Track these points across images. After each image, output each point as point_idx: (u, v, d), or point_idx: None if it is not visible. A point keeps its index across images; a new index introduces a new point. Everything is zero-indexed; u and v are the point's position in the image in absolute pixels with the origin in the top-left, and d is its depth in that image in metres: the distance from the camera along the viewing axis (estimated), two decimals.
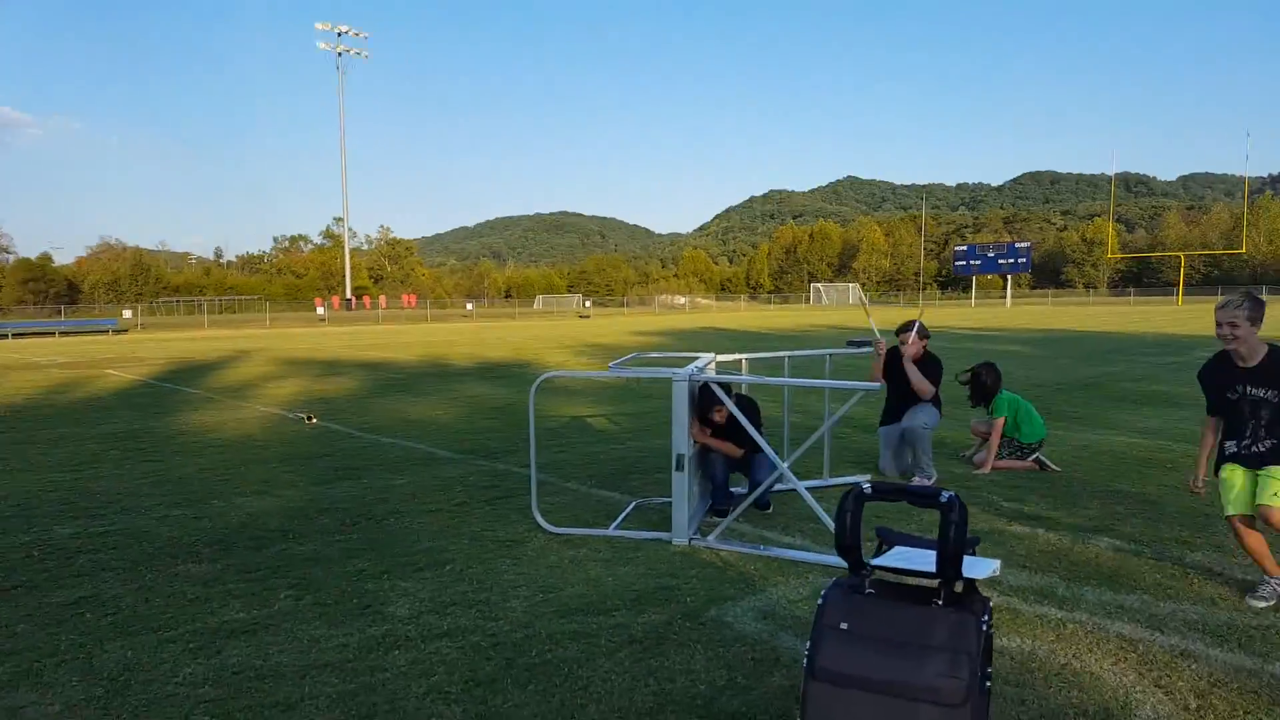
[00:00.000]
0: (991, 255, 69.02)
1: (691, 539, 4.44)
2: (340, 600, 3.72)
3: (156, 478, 6.21)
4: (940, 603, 2.10)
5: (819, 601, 2.21)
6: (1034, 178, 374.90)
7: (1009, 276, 70.96)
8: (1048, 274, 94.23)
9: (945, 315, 43.41)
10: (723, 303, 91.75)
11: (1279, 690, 2.82)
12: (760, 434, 4.57)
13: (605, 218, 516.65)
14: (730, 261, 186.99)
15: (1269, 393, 3.49)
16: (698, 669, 3.01)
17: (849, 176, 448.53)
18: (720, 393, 4.64)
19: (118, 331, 35.42)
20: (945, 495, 2.09)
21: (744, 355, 5.69)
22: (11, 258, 77.76)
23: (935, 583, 2.15)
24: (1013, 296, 72.39)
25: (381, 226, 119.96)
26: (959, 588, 2.14)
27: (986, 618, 2.07)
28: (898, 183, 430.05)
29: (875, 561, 2.19)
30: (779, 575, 3.96)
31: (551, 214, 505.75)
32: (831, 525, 4.14)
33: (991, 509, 5.05)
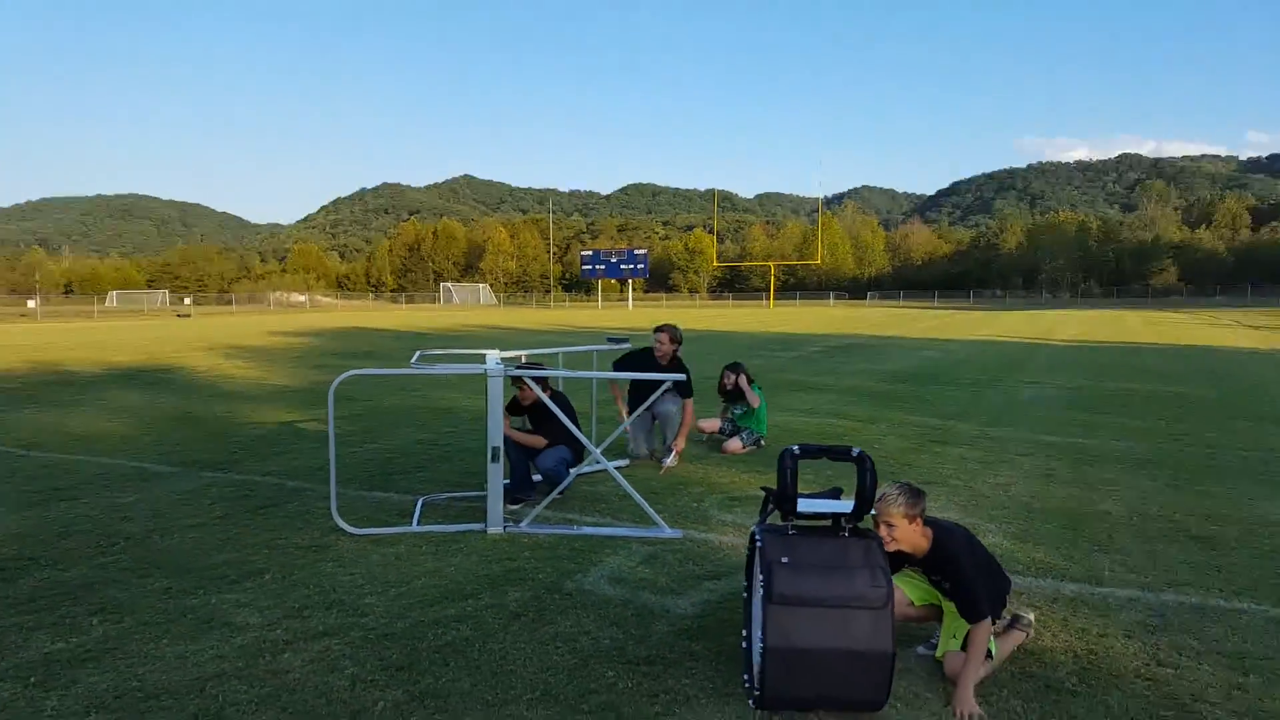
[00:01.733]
0: (614, 261, 75.06)
1: (506, 527, 4.73)
2: (170, 619, 3.44)
3: None
4: (846, 534, 2.79)
5: (756, 544, 2.79)
6: (639, 189, 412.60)
7: (629, 281, 77.74)
8: (658, 279, 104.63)
9: (580, 317, 46.44)
10: (348, 301, 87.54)
11: None
12: (576, 427, 5.02)
13: (187, 203, 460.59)
14: (343, 257, 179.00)
15: (944, 581, 3.07)
16: (591, 628, 3.40)
17: (466, 175, 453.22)
18: (535, 387, 5.00)
19: None
20: (856, 451, 2.80)
21: (522, 351, 6.02)
22: None
23: (828, 521, 2.84)
24: (633, 300, 79.40)
25: None
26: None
27: (878, 540, 2.82)
28: (515, 185, 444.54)
29: (803, 507, 2.82)
30: (606, 549, 4.43)
31: (118, 195, 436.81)
32: (641, 501, 4.77)
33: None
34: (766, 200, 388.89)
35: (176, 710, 2.71)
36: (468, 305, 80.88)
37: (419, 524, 4.80)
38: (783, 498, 2.77)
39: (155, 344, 20.96)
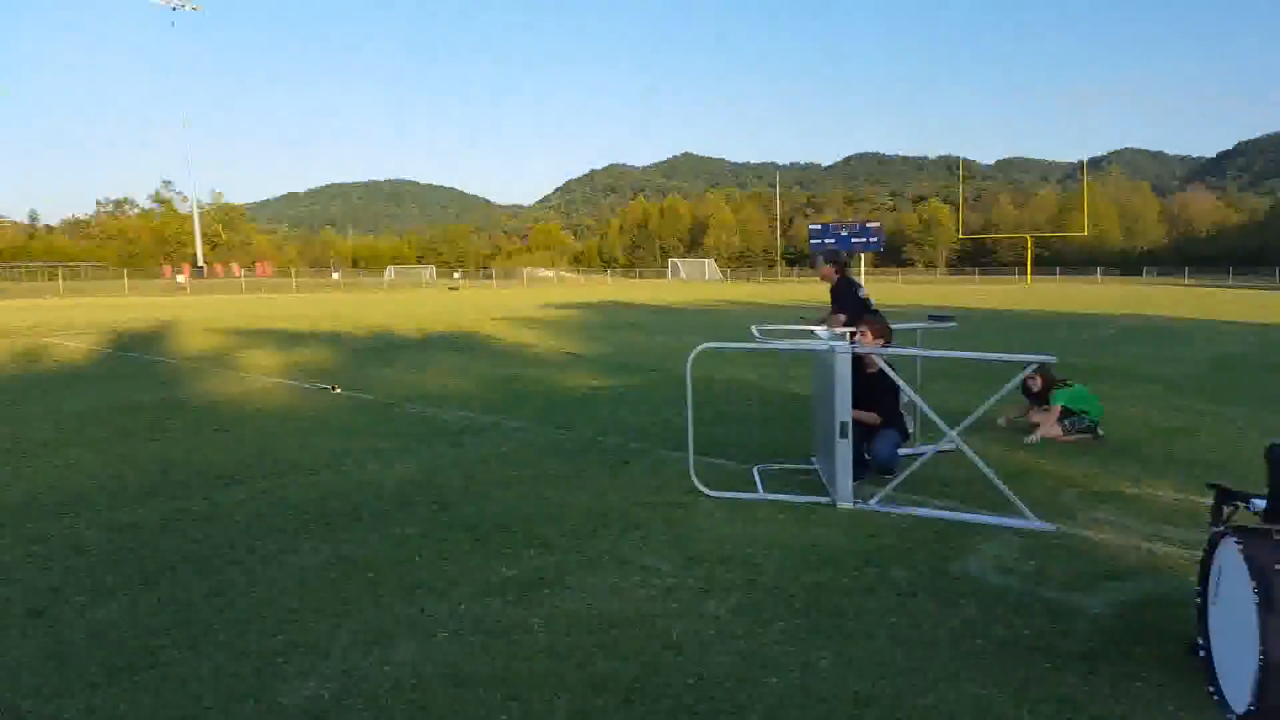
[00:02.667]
0: (845, 234, 72.56)
1: (856, 503, 4.76)
2: (589, 557, 3.81)
3: (259, 448, 5.90)
4: None
5: (1232, 547, 2.59)
6: (862, 159, 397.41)
7: (862, 255, 74.91)
8: (889, 253, 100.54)
9: (819, 292, 45.61)
10: (588, 276, 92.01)
11: None
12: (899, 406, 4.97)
13: (444, 187, 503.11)
14: (576, 235, 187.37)
15: None
16: (1001, 617, 3.32)
17: (685, 153, 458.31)
18: (884, 364, 4.99)
19: None
20: None
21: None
22: None
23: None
24: (866, 275, 76.79)
25: (214, 191, 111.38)
26: None
27: None
28: (733, 160, 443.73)
29: None
30: (975, 536, 4.30)
31: (388, 181, 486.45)
32: (1008, 494, 4.60)
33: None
34: (1008, 166, 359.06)
35: (641, 638, 2.99)
36: (694, 280, 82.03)
37: (765, 491, 4.98)
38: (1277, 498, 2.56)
39: (448, 314, 23.14)
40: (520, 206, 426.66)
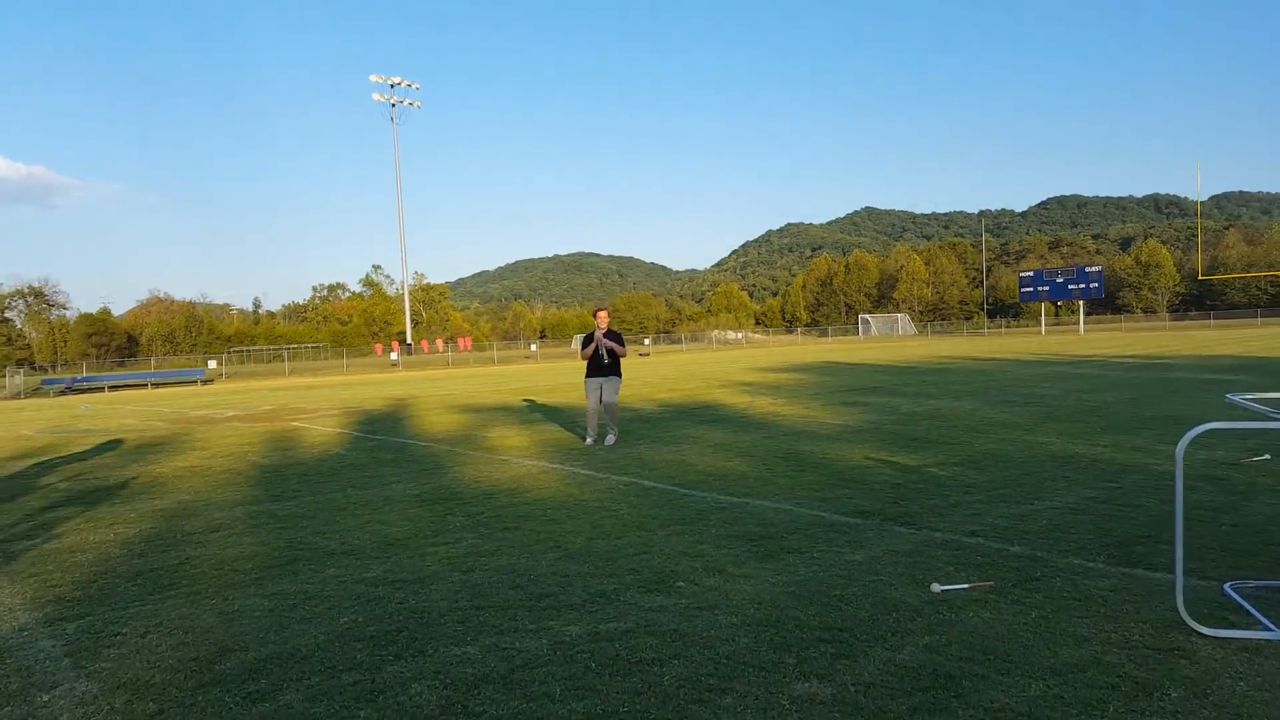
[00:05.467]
0: (1060, 280, 67.34)
1: None
2: None
3: (562, 550, 5.09)
4: None
5: None
6: (1060, 202, 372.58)
7: (1061, 303, 69.29)
8: (1104, 300, 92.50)
9: (1060, 344, 41.96)
10: (776, 336, 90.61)
11: None
12: None
13: (623, 257, 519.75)
14: (751, 296, 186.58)
15: None
16: None
17: (866, 207, 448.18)
18: None
19: (205, 382, 34.87)
20: None
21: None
22: (71, 313, 78.33)
23: None
24: (1084, 323, 70.69)
25: (415, 273, 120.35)
26: None
27: None
28: (917, 212, 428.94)
29: None
30: None
31: (570, 255, 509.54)
32: None
33: None
34: (1225, 201, 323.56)
35: None
36: (888, 336, 78.50)
37: (1276, 626, 3.57)
38: None
39: (663, 381, 22.52)
40: (695, 270, 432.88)
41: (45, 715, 3.17)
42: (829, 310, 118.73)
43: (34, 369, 56.39)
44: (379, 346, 63.93)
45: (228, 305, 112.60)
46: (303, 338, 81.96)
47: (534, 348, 63.03)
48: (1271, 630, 3.55)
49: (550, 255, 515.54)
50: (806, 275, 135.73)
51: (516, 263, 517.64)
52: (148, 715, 3.14)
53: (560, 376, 28.72)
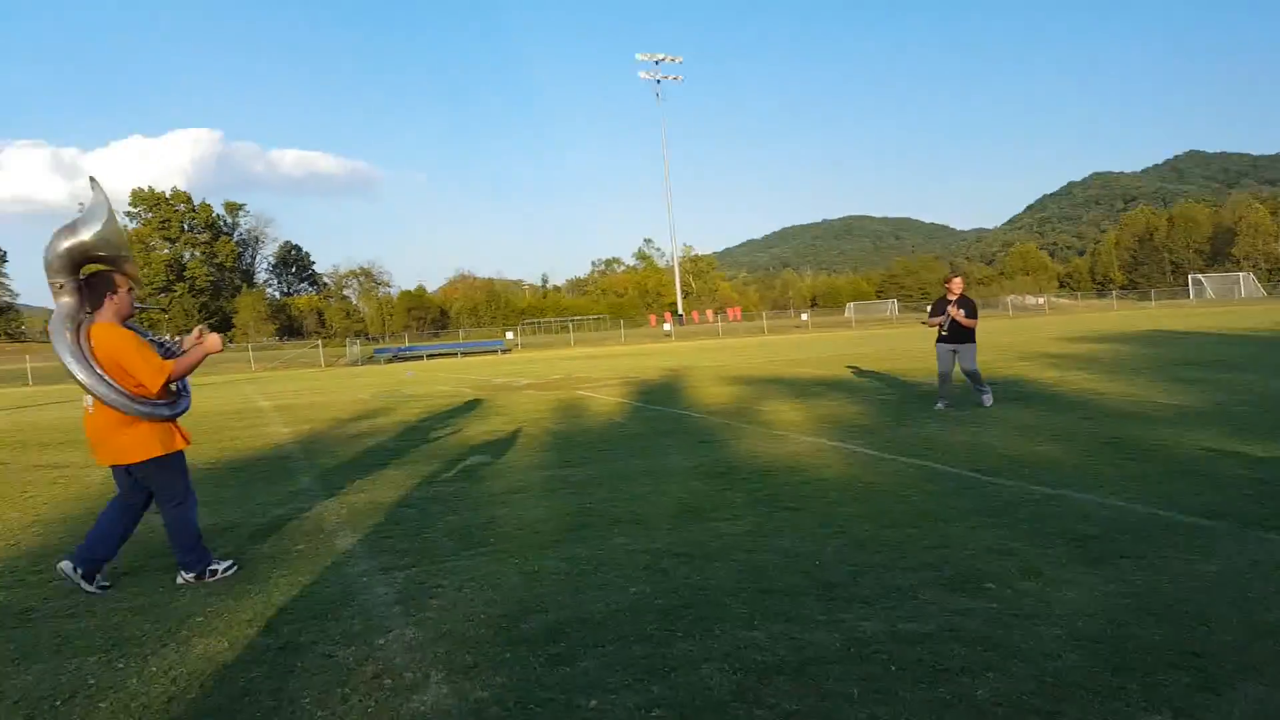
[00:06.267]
0: None
1: None
2: None
3: (849, 538, 4.88)
4: None
5: None
6: None
7: None
8: None
9: None
10: (1084, 300, 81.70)
11: None
12: None
13: (898, 218, 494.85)
14: (1053, 255, 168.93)
15: None
16: None
17: (1191, 151, 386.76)
18: None
19: (504, 351, 38.54)
20: None
21: None
22: (394, 290, 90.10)
23: None
24: None
25: (685, 245, 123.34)
26: None
27: None
28: (1258, 153, 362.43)
29: None
30: None
31: (840, 219, 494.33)
32: None
33: None
34: None
35: None
36: (1226, 300, 67.43)
37: None
38: None
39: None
40: (984, 230, 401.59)
41: (382, 657, 3.53)
42: (1149, 270, 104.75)
43: (367, 339, 65.49)
44: (653, 317, 66.50)
45: (520, 281, 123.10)
46: (584, 310, 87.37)
47: (805, 317, 61.97)
48: None
49: (819, 220, 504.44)
50: (1120, 231, 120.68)
51: (783, 230, 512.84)
52: (465, 667, 3.38)
53: (835, 347, 27.99)
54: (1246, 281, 75.42)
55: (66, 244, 4.33)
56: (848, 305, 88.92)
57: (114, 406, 4.37)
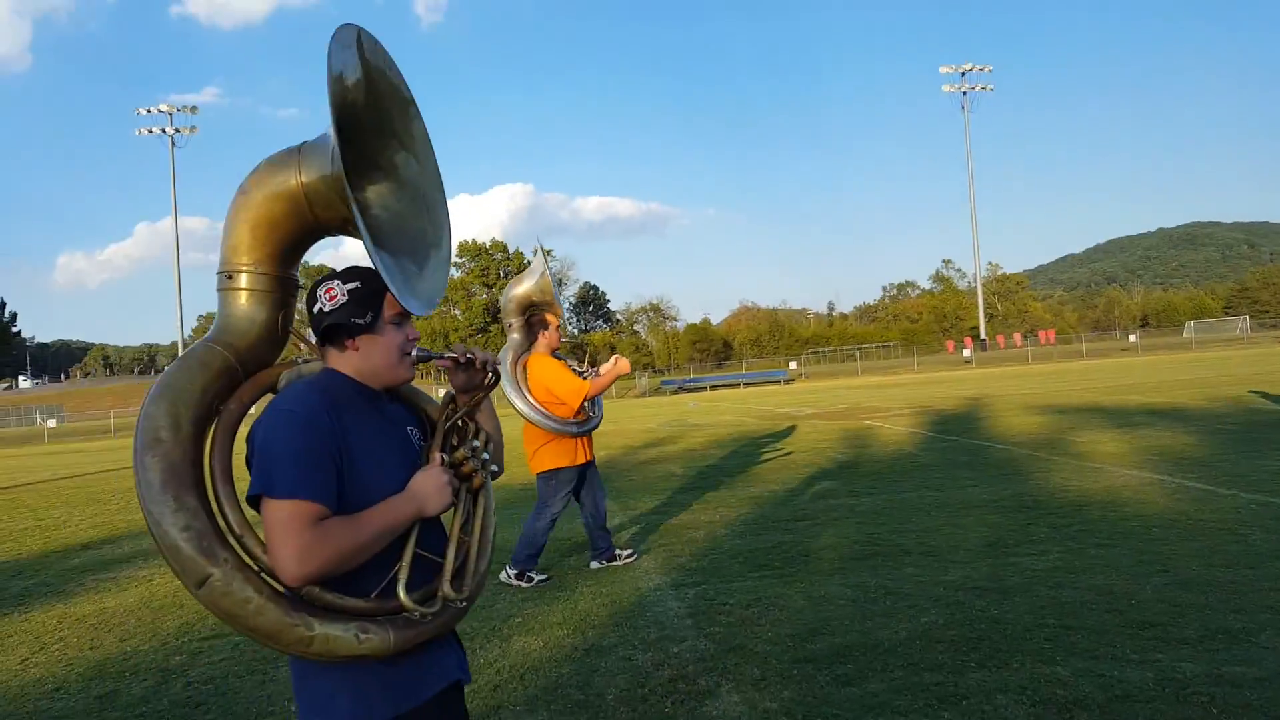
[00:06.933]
0: None
1: None
2: None
3: (1169, 578, 4.46)
4: None
5: None
6: None
7: None
8: None
9: None
10: None
11: None
12: None
13: (1253, 223, 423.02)
14: None
15: None
16: None
17: None
18: None
19: (787, 381, 38.76)
20: None
21: None
22: (680, 323, 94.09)
23: None
24: None
25: (990, 263, 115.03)
26: None
27: None
28: None
29: None
30: None
31: (1180, 227, 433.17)
32: None
33: None
34: None
35: None
36: None
37: None
38: None
39: None
40: None
41: (675, 663, 3.84)
42: None
43: (655, 372, 68.77)
44: (950, 343, 62.90)
45: (805, 309, 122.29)
46: (873, 337, 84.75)
47: (1133, 338, 55.11)
48: None
49: (1153, 230, 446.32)
50: None
51: (1109, 242, 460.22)
52: (754, 679, 3.58)
53: (1168, 371, 24.71)
54: None
55: (515, 291, 5.76)
56: (1186, 324, 77.61)
57: (535, 424, 5.50)
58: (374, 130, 1.79)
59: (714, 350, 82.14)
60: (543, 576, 5.55)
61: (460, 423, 1.83)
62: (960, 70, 61.93)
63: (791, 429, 15.00)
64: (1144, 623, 3.82)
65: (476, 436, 1.85)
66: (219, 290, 1.75)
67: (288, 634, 1.48)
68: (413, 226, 1.84)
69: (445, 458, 1.74)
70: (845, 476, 8.92)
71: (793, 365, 43.41)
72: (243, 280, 1.73)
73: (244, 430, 1.65)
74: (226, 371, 1.69)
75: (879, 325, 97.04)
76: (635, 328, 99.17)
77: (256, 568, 1.56)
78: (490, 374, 1.81)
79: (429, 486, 1.63)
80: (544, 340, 5.56)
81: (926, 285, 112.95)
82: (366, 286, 1.68)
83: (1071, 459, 8.84)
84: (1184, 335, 68.58)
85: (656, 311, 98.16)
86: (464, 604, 1.68)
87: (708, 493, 8.56)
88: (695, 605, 4.69)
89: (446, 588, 1.60)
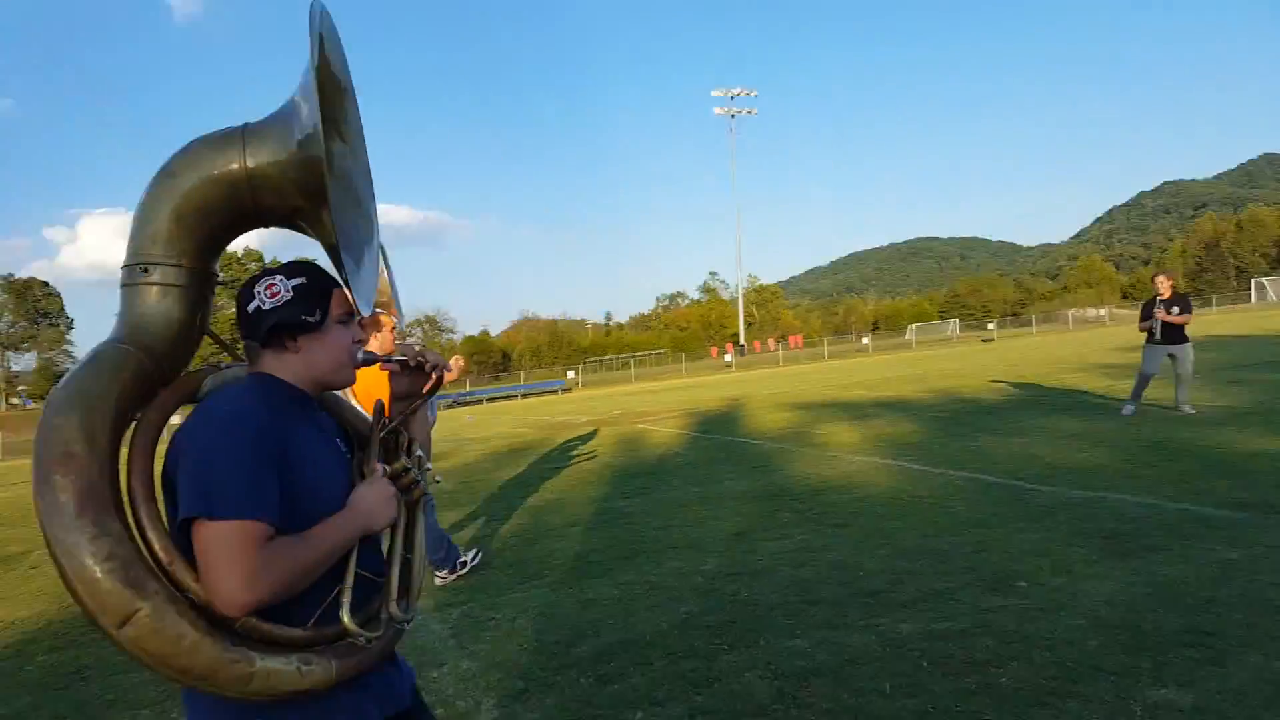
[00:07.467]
0: None
1: None
2: None
3: (893, 548, 5.01)
4: None
5: None
6: None
7: None
8: None
9: None
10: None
11: None
12: None
13: (965, 238, 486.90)
14: (1118, 268, 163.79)
15: None
16: None
17: (1265, 154, 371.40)
18: None
19: (565, 391, 39.07)
20: None
21: None
22: (459, 335, 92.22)
23: None
24: None
25: (750, 275, 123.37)
26: None
27: None
28: None
29: None
30: None
31: (907, 241, 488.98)
32: None
33: None
34: None
35: None
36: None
37: None
38: None
39: (1013, 367, 20.83)
40: (1050, 245, 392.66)
41: (435, 689, 3.75)
42: (1214, 277, 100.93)
43: None
44: (714, 349, 66.49)
45: (584, 320, 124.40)
46: (647, 345, 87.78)
47: (865, 341, 61.27)
48: None
49: (885, 245, 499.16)
50: (1186, 239, 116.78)
51: (849, 255, 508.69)
52: (516, 692, 3.60)
53: (893, 369, 27.71)
54: None
55: None
56: (909, 327, 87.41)
57: None
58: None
59: (492, 362, 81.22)
60: (472, 552, 5.73)
61: (395, 432, 1.72)
62: (729, 94, 66.00)
63: (567, 437, 15.21)
64: (870, 591, 4.29)
65: (410, 447, 1.71)
66: (126, 285, 1.53)
67: (225, 672, 1.31)
68: (350, 221, 1.65)
69: (386, 469, 1.61)
70: (617, 480, 9.19)
71: (570, 375, 43.88)
72: (159, 274, 1.52)
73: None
74: (142, 376, 1.47)
75: (653, 333, 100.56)
76: (409, 341, 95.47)
77: (188, 600, 1.35)
78: (436, 379, 1.70)
79: (375, 500, 1.50)
80: (375, 344, 5.01)
81: (695, 295, 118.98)
82: (313, 282, 1.53)
83: (813, 449, 9.71)
84: (907, 337, 77.27)
85: (432, 324, 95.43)
86: (408, 624, 1.56)
87: (479, 507, 8.48)
88: (459, 625, 4.61)
89: (393, 608, 1.48)
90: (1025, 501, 5.89)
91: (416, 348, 1.69)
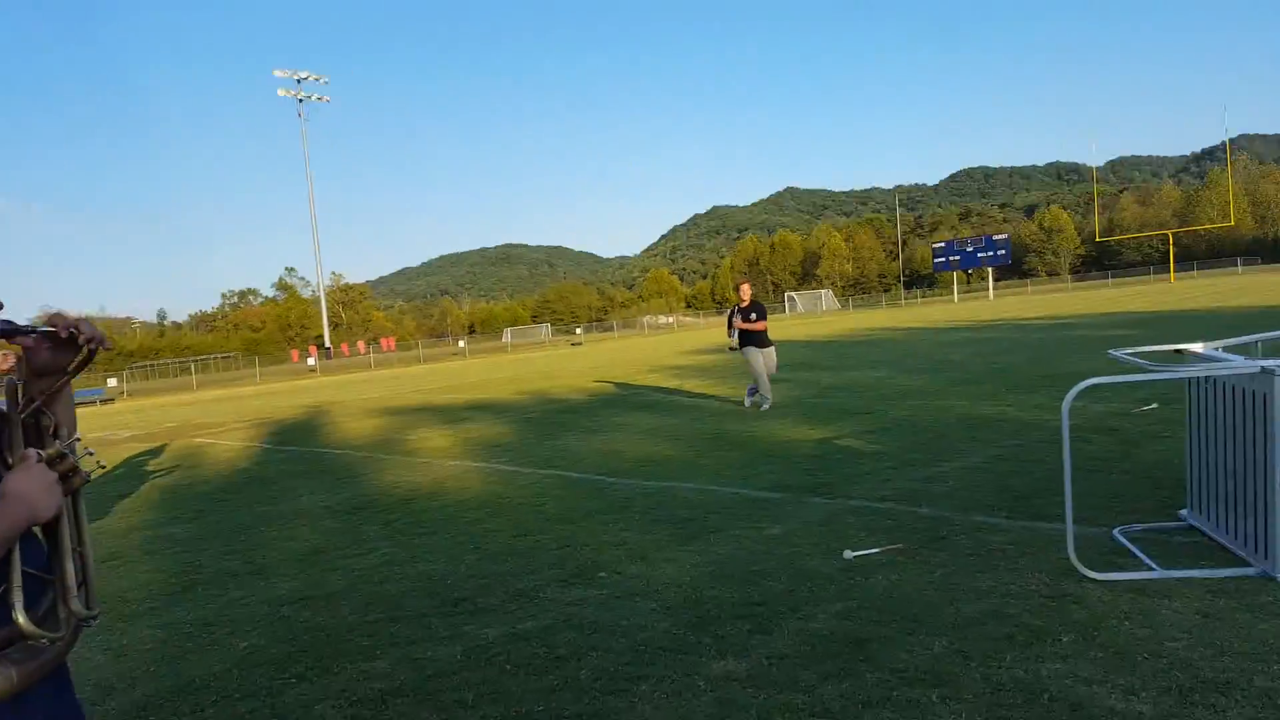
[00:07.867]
0: (970, 250, 69.48)
1: None
2: (999, 688, 2.58)
3: (482, 552, 4.87)
4: None
5: None
6: (969, 174, 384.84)
7: (973, 271, 71.87)
8: (1010, 266, 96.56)
9: (977, 311, 43.23)
10: (705, 318, 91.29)
11: None
12: None
13: (551, 246, 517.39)
14: (682, 279, 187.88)
15: None
16: None
17: (789, 188, 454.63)
18: None
19: (105, 401, 33.09)
20: None
21: (1220, 341, 4.62)
22: None
23: None
24: (993, 290, 73.15)
25: (333, 273, 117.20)
26: None
27: None
28: (836, 189, 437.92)
29: None
30: None
31: (498, 247, 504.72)
32: None
33: None
34: (1120, 166, 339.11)
35: None
36: (812, 313, 79.86)
37: (1159, 566, 3.69)
38: None
39: (597, 369, 22.36)
40: (626, 257, 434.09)
41: None
42: (757, 290, 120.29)
43: None
44: (295, 352, 62.00)
45: (130, 319, 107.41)
46: (212, 348, 78.82)
47: (462, 344, 61.92)
48: (1153, 570, 3.66)
49: (476, 249, 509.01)
50: (734, 257, 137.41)
51: (441, 258, 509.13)
52: None
53: (491, 371, 28.28)
54: (826, 296, 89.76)
55: None
56: (505, 331, 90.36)
57: None
58: None
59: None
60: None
61: (38, 414, 1.53)
62: (296, 77, 61.52)
63: (105, 456, 12.85)
64: (457, 599, 4.17)
65: (58, 430, 1.53)
66: None
67: None
68: None
69: (40, 454, 1.42)
70: (166, 504, 7.95)
71: (112, 383, 37.33)
72: None
73: None
74: None
75: (219, 335, 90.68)
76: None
77: None
78: (89, 353, 1.49)
79: (35, 488, 1.33)
80: None
81: (270, 293, 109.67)
82: None
83: (404, 456, 9.39)
84: (503, 340, 79.79)
85: None
86: (94, 621, 1.46)
87: None
88: None
89: (75, 604, 1.40)
90: (607, 495, 6.28)
91: (72, 316, 1.49)
